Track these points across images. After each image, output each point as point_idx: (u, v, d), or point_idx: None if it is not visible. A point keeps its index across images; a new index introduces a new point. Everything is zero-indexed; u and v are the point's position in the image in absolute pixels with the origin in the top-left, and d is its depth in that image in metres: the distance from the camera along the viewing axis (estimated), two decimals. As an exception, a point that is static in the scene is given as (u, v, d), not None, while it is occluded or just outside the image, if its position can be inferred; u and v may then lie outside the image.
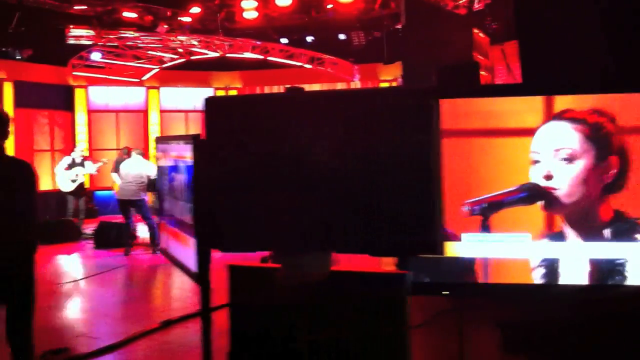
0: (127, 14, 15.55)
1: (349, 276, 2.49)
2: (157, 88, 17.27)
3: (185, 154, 3.53)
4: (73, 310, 7.72)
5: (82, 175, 13.01)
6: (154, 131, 17.24)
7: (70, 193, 12.83)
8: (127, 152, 13.53)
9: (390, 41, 14.09)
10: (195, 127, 17.47)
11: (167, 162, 4.08)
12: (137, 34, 15.23)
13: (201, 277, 3.32)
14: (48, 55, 15.39)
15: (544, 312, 3.73)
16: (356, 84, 16.44)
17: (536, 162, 3.10)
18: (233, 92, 17.85)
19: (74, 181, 12.77)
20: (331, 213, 2.25)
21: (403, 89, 3.78)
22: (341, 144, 2.28)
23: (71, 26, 15.17)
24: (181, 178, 3.69)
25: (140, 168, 11.08)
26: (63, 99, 16.23)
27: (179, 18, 15.76)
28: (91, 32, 15.27)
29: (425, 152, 2.14)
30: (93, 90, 16.60)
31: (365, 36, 15.57)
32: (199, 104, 18.10)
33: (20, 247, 4.17)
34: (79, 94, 16.41)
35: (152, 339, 6.15)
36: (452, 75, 7.91)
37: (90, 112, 16.53)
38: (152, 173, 10.86)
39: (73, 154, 13.08)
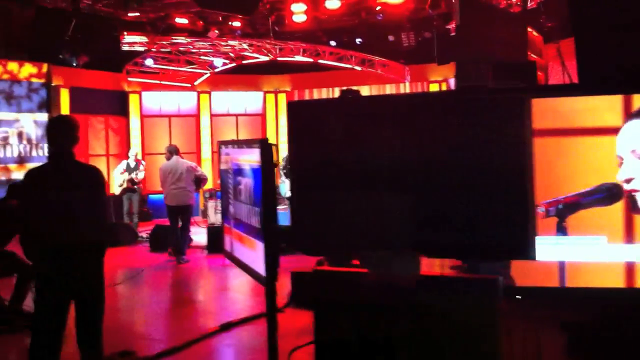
0: (179, 20, 15.80)
1: (439, 281, 2.45)
2: (208, 92, 17.46)
3: (252, 157, 3.55)
4: (131, 312, 7.84)
5: (135, 178, 13.25)
6: (206, 135, 17.43)
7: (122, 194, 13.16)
8: (175, 151, 13.67)
9: (441, 42, 13.95)
10: (246, 131, 17.62)
11: (231, 166, 4.11)
12: (189, 40, 15.44)
13: (269, 280, 3.33)
14: (103, 62, 15.71)
15: (612, 314, 3.64)
16: (406, 85, 16.31)
17: (621, 163, 3.00)
18: (282, 95, 17.92)
19: (120, 186, 13.12)
20: (422, 216, 2.22)
21: (496, 89, 3.69)
22: (433, 145, 2.25)
23: (125, 33, 15.47)
24: (247, 182, 3.71)
25: (180, 168, 10.91)
26: (118, 105, 16.54)
27: (229, 23, 15.95)
28: (144, 39, 15.55)
29: (519, 154, 2.10)
30: (146, 95, 16.89)
31: (415, 37, 15.46)
32: (249, 108, 18.39)
33: (93, 248, 4.27)
34: (133, 99, 16.71)
35: (212, 341, 6.21)
36: (508, 75, 7.81)
37: (144, 117, 16.81)
38: (198, 172, 10.76)
39: (128, 159, 13.35)
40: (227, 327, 6.49)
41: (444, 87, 15.90)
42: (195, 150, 17.22)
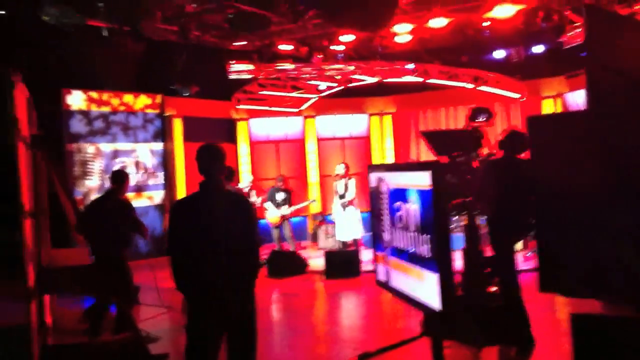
0: (282, 47, 16.02)
1: None
2: (314, 117, 17.56)
3: (419, 181, 3.41)
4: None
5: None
6: (312, 159, 17.51)
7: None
8: (281, 180, 13.81)
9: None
10: (351, 154, 17.57)
11: (386, 190, 3.98)
12: (293, 66, 15.60)
13: (446, 314, 3.15)
14: (213, 91, 16.11)
15: None
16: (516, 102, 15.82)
17: None
18: (388, 117, 17.79)
19: None
20: None
21: None
22: None
23: (232, 61, 15.82)
24: (411, 207, 3.57)
25: None
26: (226, 132, 16.90)
27: (331, 47, 16.02)
28: (251, 67, 15.84)
29: None
30: (254, 122, 17.16)
31: (524, 52, 15.00)
32: (355, 131, 18.37)
33: (247, 278, 4.22)
34: (240, 126, 17.03)
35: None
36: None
37: (253, 143, 17.08)
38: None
39: (241, 185, 13.54)
40: (365, 357, 6.33)
41: (558, 103, 15.31)
42: (302, 174, 17.30)
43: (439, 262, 3.15)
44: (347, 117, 17.89)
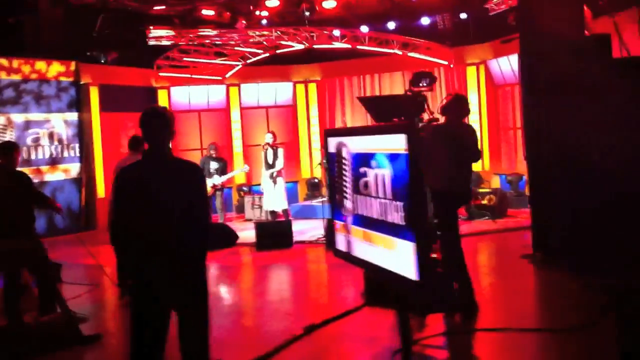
0: (205, 12, 15.42)
1: None
2: (237, 85, 17.06)
3: (391, 144, 3.14)
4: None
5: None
6: (236, 128, 17.05)
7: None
8: (214, 149, 13.39)
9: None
10: (276, 123, 17.20)
11: (348, 156, 3.71)
12: (215, 32, 15.05)
13: (423, 283, 2.94)
14: (132, 58, 15.35)
15: None
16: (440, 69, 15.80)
17: None
18: (312, 85, 17.50)
19: None
20: None
21: None
22: None
23: (151, 27, 15.10)
24: (381, 173, 3.30)
25: None
26: (146, 101, 16.16)
27: (256, 13, 15.53)
28: (171, 32, 15.17)
29: None
30: (175, 90, 16.51)
31: (451, 19, 15.02)
32: (280, 99, 17.98)
33: (195, 252, 3.88)
34: (161, 95, 16.35)
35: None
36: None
37: (174, 112, 16.39)
38: None
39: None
40: (311, 329, 6.11)
41: (481, 70, 15.42)
42: (228, 144, 16.83)
43: (415, 230, 2.92)
44: (271, 85, 17.48)
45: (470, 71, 15.48)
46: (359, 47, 13.93)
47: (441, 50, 14.71)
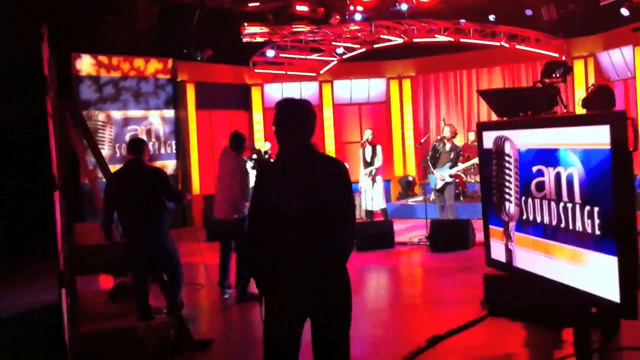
0: (299, 8, 15.23)
1: None
2: (330, 82, 16.81)
3: (584, 138, 2.72)
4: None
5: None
6: (329, 125, 16.80)
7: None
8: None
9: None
10: (368, 120, 16.88)
11: (513, 153, 3.31)
12: (308, 27, 14.86)
13: (628, 308, 2.49)
14: (224, 55, 15.33)
15: None
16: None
17: None
18: (407, 81, 17.05)
19: None
20: None
21: None
22: None
23: (245, 24, 15.06)
24: (567, 172, 2.88)
25: None
26: (240, 98, 16.19)
27: (350, 7, 15.22)
28: (265, 29, 15.07)
29: None
30: (268, 87, 16.40)
31: (556, 10, 14.25)
32: (372, 96, 17.61)
33: (342, 255, 3.52)
34: (255, 92, 16.28)
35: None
36: None
37: (267, 110, 16.30)
38: None
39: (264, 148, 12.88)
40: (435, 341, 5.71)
41: (590, 63, 14.57)
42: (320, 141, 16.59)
43: (619, 241, 2.49)
44: (364, 82, 17.13)
45: (578, 65, 14.60)
46: (462, 40, 13.36)
47: (552, 42, 13.92)
